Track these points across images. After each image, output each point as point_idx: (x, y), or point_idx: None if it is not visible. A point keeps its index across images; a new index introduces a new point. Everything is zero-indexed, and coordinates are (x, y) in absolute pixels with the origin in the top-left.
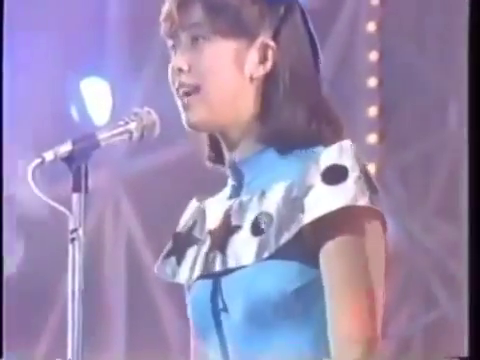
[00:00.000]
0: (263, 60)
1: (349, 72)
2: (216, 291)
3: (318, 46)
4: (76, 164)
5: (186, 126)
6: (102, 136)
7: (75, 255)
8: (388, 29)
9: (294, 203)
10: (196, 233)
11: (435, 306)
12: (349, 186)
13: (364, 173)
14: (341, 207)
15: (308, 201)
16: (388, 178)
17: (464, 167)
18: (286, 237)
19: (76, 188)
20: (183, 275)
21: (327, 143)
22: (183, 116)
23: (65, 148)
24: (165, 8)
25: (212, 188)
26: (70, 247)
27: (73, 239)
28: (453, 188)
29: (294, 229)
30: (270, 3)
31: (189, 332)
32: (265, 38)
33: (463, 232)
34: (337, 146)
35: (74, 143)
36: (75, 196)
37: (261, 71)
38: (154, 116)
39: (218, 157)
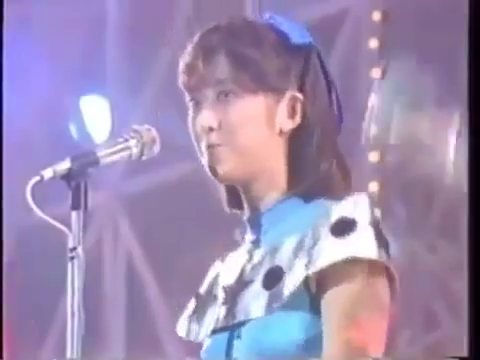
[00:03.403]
0: (292, 114)
1: (351, 89)
2: (228, 345)
3: (335, 85)
4: (75, 182)
5: (213, 177)
6: (101, 153)
7: (74, 274)
8: (390, 45)
9: (302, 255)
10: (215, 291)
11: (437, 327)
12: (355, 238)
13: (374, 226)
14: (345, 258)
15: (314, 252)
16: (390, 197)
17: (466, 186)
18: (292, 288)
19: (75, 206)
20: (203, 334)
21: (338, 192)
22: (209, 168)
23: (64, 165)
24: (186, 61)
25: (212, 208)
26: (69, 266)
27: (72, 257)
28: (455, 208)
29: (299, 280)
30: (291, 54)
31: (188, 351)
32: (293, 91)
33: (466, 252)
34: (351, 199)
35: (73, 160)
36: (74, 214)
37: (290, 125)
38: (154, 133)
39: (237, 202)
